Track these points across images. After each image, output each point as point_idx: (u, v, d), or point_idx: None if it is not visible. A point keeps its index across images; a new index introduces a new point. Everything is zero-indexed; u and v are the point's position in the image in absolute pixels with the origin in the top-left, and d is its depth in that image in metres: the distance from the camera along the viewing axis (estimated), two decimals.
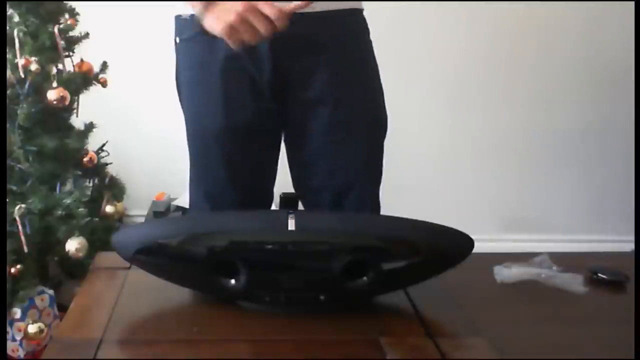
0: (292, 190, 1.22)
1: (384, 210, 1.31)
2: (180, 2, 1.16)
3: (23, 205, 1.63)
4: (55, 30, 1.72)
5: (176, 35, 1.20)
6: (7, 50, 1.69)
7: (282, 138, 1.26)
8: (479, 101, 2.43)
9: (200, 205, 1.27)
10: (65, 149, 1.75)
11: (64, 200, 1.67)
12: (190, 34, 1.15)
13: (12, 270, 1.61)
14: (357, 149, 1.21)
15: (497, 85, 2.42)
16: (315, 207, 1.24)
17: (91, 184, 1.90)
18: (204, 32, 1.06)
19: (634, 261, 1.06)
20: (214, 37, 1.05)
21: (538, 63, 2.40)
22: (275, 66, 1.14)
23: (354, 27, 1.19)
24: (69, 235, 1.65)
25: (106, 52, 1.95)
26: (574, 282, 0.99)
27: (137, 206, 2.34)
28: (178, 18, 1.19)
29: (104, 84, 1.89)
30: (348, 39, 1.17)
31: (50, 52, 1.73)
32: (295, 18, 1.03)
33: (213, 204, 1.24)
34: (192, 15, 1.11)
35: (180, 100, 1.26)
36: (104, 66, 1.90)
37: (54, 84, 1.69)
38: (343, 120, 1.18)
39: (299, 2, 0.98)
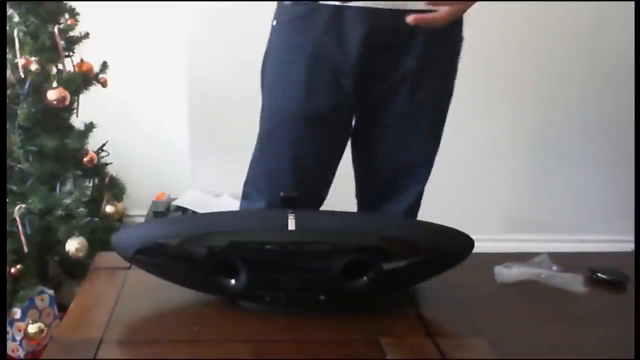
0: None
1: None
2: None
3: (23, 205, 1.63)
4: (55, 30, 1.72)
5: (274, 18, 1.22)
6: (7, 50, 1.68)
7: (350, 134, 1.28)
8: (479, 101, 2.42)
9: (258, 182, 1.28)
10: (65, 149, 1.75)
11: (64, 200, 1.67)
12: (288, 17, 1.17)
13: (12, 270, 1.61)
14: (419, 141, 1.26)
15: (498, 85, 2.42)
16: (368, 188, 1.32)
17: (91, 184, 1.89)
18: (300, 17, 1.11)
19: (634, 261, 1.06)
20: (308, 23, 1.10)
21: (539, 63, 2.40)
22: (364, 59, 1.14)
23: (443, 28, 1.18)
24: (69, 235, 1.65)
25: (106, 52, 1.95)
26: (574, 282, 0.99)
27: (137, 206, 2.34)
28: (280, 3, 1.21)
29: (104, 84, 1.88)
30: (437, 37, 1.16)
31: (50, 52, 1.73)
32: (390, 12, 1.08)
33: (270, 183, 1.25)
34: (293, 1, 1.15)
35: (262, 81, 1.27)
36: (104, 66, 1.90)
37: (54, 84, 1.68)
38: (412, 113, 1.21)
39: None
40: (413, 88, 1.19)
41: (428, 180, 1.32)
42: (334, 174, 1.30)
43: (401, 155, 1.26)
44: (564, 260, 1.04)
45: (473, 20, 2.30)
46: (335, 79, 1.16)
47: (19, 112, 1.68)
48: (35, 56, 1.69)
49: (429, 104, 1.23)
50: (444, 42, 1.20)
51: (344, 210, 0.91)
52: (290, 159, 1.22)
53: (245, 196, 1.32)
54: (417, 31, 1.13)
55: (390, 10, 1.11)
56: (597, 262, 1.05)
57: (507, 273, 1.01)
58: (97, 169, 1.90)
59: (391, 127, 1.23)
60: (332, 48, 1.14)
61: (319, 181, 1.28)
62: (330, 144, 1.25)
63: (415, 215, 1.34)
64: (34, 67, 1.66)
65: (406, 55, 1.16)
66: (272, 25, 1.23)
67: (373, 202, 1.33)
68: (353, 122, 1.27)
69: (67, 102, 1.70)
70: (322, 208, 1.27)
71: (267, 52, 1.25)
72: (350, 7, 1.11)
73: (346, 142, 1.28)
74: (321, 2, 1.12)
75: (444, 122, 1.29)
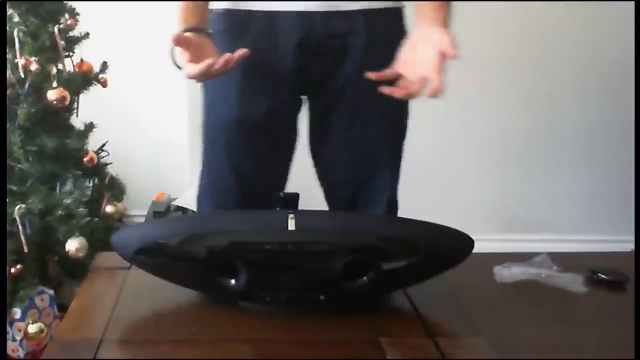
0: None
1: None
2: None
3: (23, 205, 1.63)
4: (55, 30, 1.72)
5: (209, 28, 1.19)
6: (7, 50, 1.69)
7: (297, 139, 1.25)
8: (479, 101, 2.42)
9: (206, 193, 1.27)
10: (65, 149, 1.75)
11: (64, 200, 1.67)
12: (223, 27, 1.16)
13: (12, 270, 1.61)
14: (376, 145, 1.21)
15: (498, 85, 2.42)
16: (335, 200, 1.27)
17: (91, 184, 1.89)
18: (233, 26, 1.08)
19: (634, 261, 1.06)
20: (241, 31, 1.08)
21: (538, 62, 2.40)
22: (300, 64, 1.13)
23: (385, 25, 1.16)
24: (69, 235, 1.65)
25: (106, 52, 1.95)
26: (574, 282, 0.99)
27: (137, 206, 2.34)
28: (214, 12, 1.19)
29: (104, 84, 1.88)
30: (377, 37, 1.14)
31: (50, 52, 1.73)
32: (324, 15, 1.05)
33: (216, 194, 1.25)
34: (225, 10, 1.14)
35: (203, 93, 1.27)
36: (104, 66, 1.90)
37: (54, 84, 1.68)
38: (364, 116, 1.18)
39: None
40: (358, 94, 1.15)
41: (398, 189, 1.27)
42: (284, 179, 1.27)
43: (359, 165, 1.22)
44: (564, 260, 1.04)
45: (471, 20, 2.30)
46: (270, 85, 1.14)
47: (19, 112, 1.68)
48: (35, 56, 1.69)
49: (381, 109, 1.17)
50: (386, 43, 1.12)
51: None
52: (229, 171, 1.21)
53: (199, 205, 1.30)
54: (354, 35, 1.12)
55: (325, 14, 1.09)
56: (597, 262, 1.05)
57: (507, 273, 1.01)
58: (97, 169, 1.91)
59: (343, 137, 1.20)
60: (267, 55, 1.12)
61: (265, 189, 1.23)
62: (271, 149, 1.22)
63: None
64: (34, 67, 1.66)
65: (345, 60, 1.14)
66: None
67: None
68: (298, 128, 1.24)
69: (67, 102, 1.70)
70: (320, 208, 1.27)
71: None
72: (284, 12, 1.09)
73: (292, 147, 1.25)
74: (253, 9, 1.11)
75: (403, 126, 1.25)
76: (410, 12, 1.18)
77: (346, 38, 1.13)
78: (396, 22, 1.19)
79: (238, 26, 1.13)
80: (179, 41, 1.01)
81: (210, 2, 1.15)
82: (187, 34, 1.04)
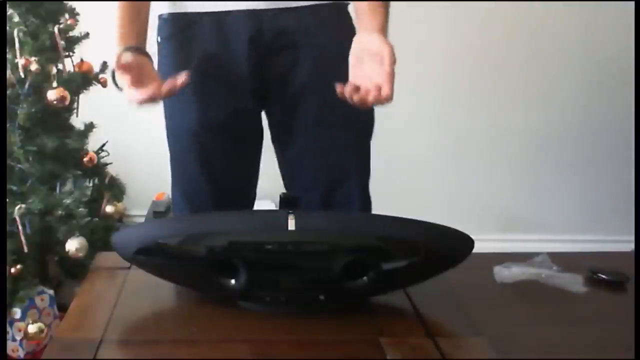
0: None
1: (384, 211, 1.31)
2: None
3: (23, 205, 1.63)
4: (55, 30, 1.72)
5: (157, 34, 1.20)
6: (7, 50, 1.69)
7: (262, 139, 1.25)
8: (479, 101, 2.42)
9: (179, 203, 1.27)
10: (65, 149, 1.75)
11: (64, 200, 1.67)
12: (170, 32, 1.15)
13: (12, 270, 1.61)
14: (342, 144, 1.20)
15: (498, 85, 2.42)
16: (305, 205, 1.21)
17: (91, 184, 1.90)
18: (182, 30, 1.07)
19: (634, 261, 1.06)
20: (189, 35, 1.07)
21: (536, 63, 2.40)
22: (255, 63, 1.12)
23: (333, 20, 1.16)
24: (69, 235, 1.65)
25: (106, 52, 1.94)
26: (574, 282, 0.99)
27: (137, 206, 2.34)
28: (160, 17, 1.18)
29: (104, 84, 1.88)
30: (327, 33, 1.14)
31: (50, 52, 1.73)
32: (273, 13, 1.05)
33: (190, 203, 1.24)
34: (171, 14, 1.12)
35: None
36: (104, 66, 1.90)
37: (54, 84, 1.69)
38: (326, 116, 1.17)
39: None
40: (316, 93, 1.14)
41: (369, 187, 1.27)
42: (254, 180, 1.27)
43: (328, 166, 1.21)
44: (564, 260, 1.04)
45: (470, 20, 2.30)
46: (229, 86, 1.14)
47: (19, 112, 1.68)
48: (35, 56, 1.69)
49: (342, 108, 1.08)
50: (336, 39, 1.12)
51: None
52: (201, 179, 1.21)
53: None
54: (305, 32, 1.12)
55: (273, 11, 1.09)
56: (597, 262, 1.05)
57: (507, 273, 1.01)
58: (97, 169, 1.91)
59: (307, 139, 1.19)
60: (220, 56, 1.11)
61: (239, 191, 1.25)
62: (240, 152, 1.22)
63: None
64: (34, 67, 1.67)
65: (298, 58, 1.13)
66: (157, 42, 1.20)
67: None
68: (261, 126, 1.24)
69: (67, 102, 1.70)
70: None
71: (158, 71, 1.17)
72: (233, 12, 1.09)
73: (259, 148, 1.25)
74: (200, 11, 1.10)
75: (369, 124, 1.23)
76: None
77: (296, 34, 1.12)
78: (343, 17, 1.18)
79: (186, 30, 1.12)
80: (119, 65, 1.01)
81: (157, 7, 1.14)
82: (127, 56, 1.03)
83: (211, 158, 1.20)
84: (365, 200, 1.25)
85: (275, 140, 1.25)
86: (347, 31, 1.15)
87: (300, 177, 1.24)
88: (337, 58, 1.07)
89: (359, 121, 1.20)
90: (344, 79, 1.05)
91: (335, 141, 1.19)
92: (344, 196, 1.22)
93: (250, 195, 1.30)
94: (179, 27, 1.13)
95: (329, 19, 1.15)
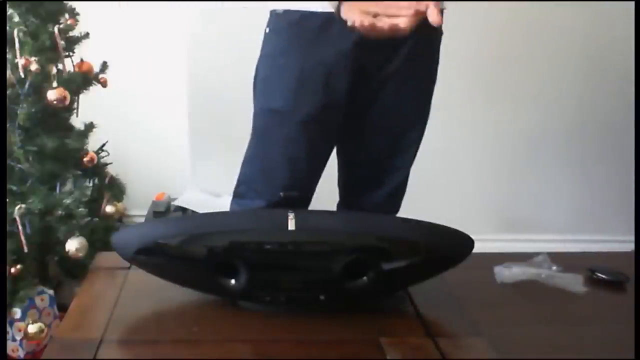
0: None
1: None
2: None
3: (23, 205, 1.63)
4: (55, 30, 1.72)
5: (267, 26, 1.26)
6: (7, 50, 1.68)
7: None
8: (479, 101, 2.42)
9: (253, 182, 1.31)
10: (65, 149, 1.74)
11: (64, 200, 1.67)
12: (280, 25, 1.22)
13: (12, 270, 1.61)
14: (403, 132, 1.30)
15: (498, 85, 2.42)
16: (351, 176, 1.37)
17: (91, 184, 1.89)
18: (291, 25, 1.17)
19: (634, 261, 1.06)
20: (299, 29, 1.16)
21: (537, 63, 2.40)
22: (355, 59, 1.18)
23: (428, 26, 1.19)
24: (69, 235, 1.65)
25: (106, 52, 1.95)
26: (574, 282, 0.99)
27: (137, 206, 2.34)
28: (272, 12, 1.25)
29: (104, 84, 1.88)
30: (425, 35, 1.16)
31: (50, 52, 1.73)
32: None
33: (266, 182, 1.28)
34: (285, 10, 1.19)
35: (255, 85, 1.31)
36: (104, 66, 1.89)
37: (54, 84, 1.68)
38: (397, 107, 1.26)
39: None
40: (399, 84, 1.23)
41: (413, 170, 1.37)
42: (322, 171, 1.33)
43: (389, 145, 1.31)
44: (564, 260, 1.04)
45: (469, 21, 2.30)
46: (326, 81, 1.19)
47: (19, 112, 1.68)
48: (35, 56, 1.68)
49: (416, 96, 1.29)
50: (430, 39, 1.25)
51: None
52: (284, 159, 1.26)
53: (239, 196, 1.34)
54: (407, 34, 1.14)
55: None
56: (597, 262, 1.05)
57: (507, 273, 1.01)
58: (97, 169, 1.90)
59: (379, 119, 1.27)
60: (323, 53, 1.18)
61: (311, 179, 1.31)
62: (321, 142, 1.28)
63: (399, 199, 1.38)
64: (34, 67, 1.66)
65: (394, 55, 1.21)
66: (265, 32, 1.27)
67: (356, 190, 1.37)
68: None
69: (67, 102, 1.70)
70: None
71: (260, 58, 1.28)
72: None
73: (335, 139, 1.32)
74: (312, 10, 1.16)
75: (428, 113, 1.35)
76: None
77: (399, 37, 1.13)
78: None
79: (296, 25, 1.19)
80: None
81: (270, 3, 1.22)
82: None
83: (296, 144, 1.25)
84: (402, 181, 1.36)
85: (344, 128, 1.31)
86: (439, 31, 1.27)
87: (355, 152, 1.33)
88: (426, 56, 1.25)
89: (422, 105, 1.33)
90: (430, 72, 1.30)
91: (399, 124, 1.30)
92: (386, 174, 1.33)
93: (316, 184, 1.34)
94: (290, 22, 1.19)
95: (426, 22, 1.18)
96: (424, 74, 1.29)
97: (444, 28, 1.27)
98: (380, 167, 1.33)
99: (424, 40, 1.20)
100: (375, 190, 1.33)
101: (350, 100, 1.24)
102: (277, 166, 1.27)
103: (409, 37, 1.14)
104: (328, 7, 1.09)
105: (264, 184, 1.29)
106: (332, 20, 1.14)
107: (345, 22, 1.02)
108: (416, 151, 1.35)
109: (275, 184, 1.26)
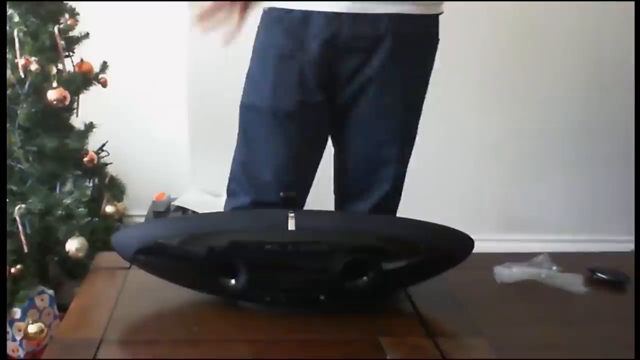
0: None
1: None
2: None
3: (23, 205, 1.63)
4: (55, 30, 1.72)
5: (259, 24, 1.27)
6: (7, 50, 1.68)
7: (325, 144, 1.31)
8: (478, 101, 2.42)
9: (238, 177, 1.31)
10: (65, 149, 1.75)
11: (64, 200, 1.67)
12: (265, 22, 1.24)
13: (12, 270, 1.61)
14: (387, 141, 1.27)
15: (498, 85, 2.42)
16: (342, 184, 1.35)
17: (91, 184, 1.89)
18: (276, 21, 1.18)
19: (634, 261, 1.06)
20: (277, 26, 1.18)
21: (535, 63, 2.39)
22: (324, 59, 1.18)
23: (413, 31, 1.20)
24: (69, 235, 1.65)
25: (106, 52, 1.95)
26: (574, 282, 0.99)
27: (137, 206, 2.33)
28: (263, 10, 1.25)
29: (104, 84, 1.88)
30: (405, 41, 1.18)
31: (50, 52, 1.73)
32: (352, 17, 1.12)
33: (248, 177, 1.29)
34: (270, 7, 1.20)
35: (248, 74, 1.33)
36: (104, 66, 1.90)
37: (54, 84, 1.68)
38: (380, 114, 1.24)
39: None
40: (379, 91, 1.21)
41: (404, 182, 1.33)
42: (313, 173, 1.32)
43: (370, 155, 1.29)
44: (564, 260, 1.04)
45: (468, 21, 2.30)
46: (299, 78, 1.20)
47: (19, 112, 1.68)
48: (35, 56, 1.68)
49: (398, 106, 1.25)
50: (413, 46, 1.21)
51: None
52: (264, 156, 1.26)
53: (230, 194, 1.35)
54: (383, 37, 1.15)
55: (354, 16, 1.13)
56: (597, 262, 1.05)
57: (507, 273, 1.01)
58: (97, 169, 1.90)
59: (360, 127, 1.26)
60: (295, 50, 1.18)
61: (296, 179, 1.29)
62: (301, 140, 1.26)
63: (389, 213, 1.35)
64: (34, 67, 1.66)
65: (370, 60, 1.18)
66: (257, 29, 1.28)
67: (342, 199, 1.36)
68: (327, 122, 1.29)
69: (67, 102, 1.70)
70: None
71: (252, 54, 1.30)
72: (317, 12, 1.14)
73: (321, 141, 1.30)
74: (292, 7, 1.16)
75: (416, 124, 1.31)
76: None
77: (373, 41, 1.16)
78: (426, 27, 1.23)
79: (277, 21, 1.20)
80: None
81: (259, 3, 1.22)
82: None
83: (274, 140, 1.25)
84: (388, 195, 1.31)
85: (333, 134, 1.31)
86: (430, 39, 1.24)
87: (344, 159, 1.31)
88: (410, 63, 1.20)
89: (409, 115, 1.29)
90: (417, 80, 1.25)
91: (383, 133, 1.26)
92: (373, 186, 1.30)
93: (308, 188, 1.34)
94: (274, 18, 1.20)
95: (411, 28, 1.19)
96: (408, 81, 1.24)
97: (442, 34, 1.26)
98: (363, 178, 1.30)
99: (405, 45, 1.18)
100: (358, 202, 1.31)
101: (330, 102, 1.23)
102: (259, 163, 1.27)
103: (384, 40, 1.16)
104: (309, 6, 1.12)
105: (247, 181, 1.29)
106: (310, 18, 1.15)
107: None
108: (401, 166, 1.31)
109: (258, 181, 1.26)
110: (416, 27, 1.19)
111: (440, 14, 1.24)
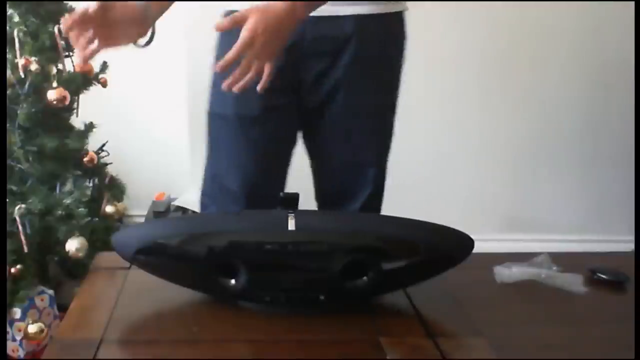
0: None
1: (385, 211, 1.32)
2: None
3: (23, 205, 1.63)
4: (55, 30, 1.72)
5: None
6: (7, 50, 1.69)
7: (294, 145, 1.29)
8: (479, 101, 2.42)
9: (208, 190, 1.31)
10: (65, 149, 1.75)
11: (64, 200, 1.67)
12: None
13: (12, 270, 1.61)
14: (361, 144, 1.25)
15: (498, 85, 2.42)
16: (321, 190, 1.32)
17: (91, 184, 1.89)
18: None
19: (634, 261, 1.06)
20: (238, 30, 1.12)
21: (537, 64, 2.40)
22: (288, 64, 1.15)
23: (377, 29, 1.19)
24: (69, 235, 1.65)
25: (106, 52, 1.95)
26: (574, 282, 0.99)
27: (137, 206, 2.34)
28: (225, 13, 1.24)
29: (104, 84, 1.89)
30: (370, 44, 1.17)
31: (50, 52, 1.73)
32: (315, 19, 1.08)
33: (218, 188, 1.27)
34: (227, 10, 1.19)
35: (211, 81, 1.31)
36: (104, 66, 1.90)
37: (54, 84, 1.68)
38: (350, 118, 1.22)
39: None
40: (349, 93, 1.19)
41: (385, 184, 1.32)
42: (284, 175, 1.30)
43: (344, 159, 1.26)
44: (564, 260, 1.04)
45: (470, 21, 2.30)
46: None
47: (19, 112, 1.68)
48: (35, 56, 1.69)
49: (371, 107, 1.23)
50: (380, 45, 1.19)
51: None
52: (231, 163, 1.25)
53: (202, 208, 1.34)
54: (349, 40, 1.15)
55: (317, 19, 1.11)
56: (597, 262, 1.05)
57: (507, 273, 1.01)
58: (97, 169, 1.91)
59: (333, 131, 1.24)
60: None
61: (264, 184, 1.26)
62: (268, 145, 1.24)
63: None
64: (34, 67, 1.67)
65: (336, 63, 1.17)
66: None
67: (330, 205, 1.33)
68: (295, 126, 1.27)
69: (67, 102, 1.70)
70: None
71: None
72: None
73: (290, 142, 1.28)
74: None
75: (392, 122, 1.29)
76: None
77: (337, 44, 1.15)
78: (392, 26, 1.21)
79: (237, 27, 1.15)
80: None
81: (223, 3, 1.20)
82: None
83: (240, 145, 1.24)
84: (370, 199, 1.29)
85: (304, 135, 1.29)
86: (394, 39, 1.22)
87: (324, 163, 1.29)
88: (378, 63, 1.17)
89: (381, 117, 1.27)
90: (386, 82, 1.21)
91: (357, 137, 1.24)
92: (352, 191, 1.28)
93: (273, 192, 1.31)
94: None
95: (375, 28, 1.17)
96: (378, 82, 1.22)
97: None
98: (343, 182, 1.28)
99: (371, 45, 1.17)
100: (342, 206, 1.29)
101: (300, 106, 1.22)
102: (227, 172, 1.25)
103: (350, 42, 1.15)
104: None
105: (218, 192, 1.27)
106: None
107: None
108: (380, 167, 1.29)
109: (228, 191, 1.25)
110: (381, 26, 1.18)
111: (405, 10, 1.22)
